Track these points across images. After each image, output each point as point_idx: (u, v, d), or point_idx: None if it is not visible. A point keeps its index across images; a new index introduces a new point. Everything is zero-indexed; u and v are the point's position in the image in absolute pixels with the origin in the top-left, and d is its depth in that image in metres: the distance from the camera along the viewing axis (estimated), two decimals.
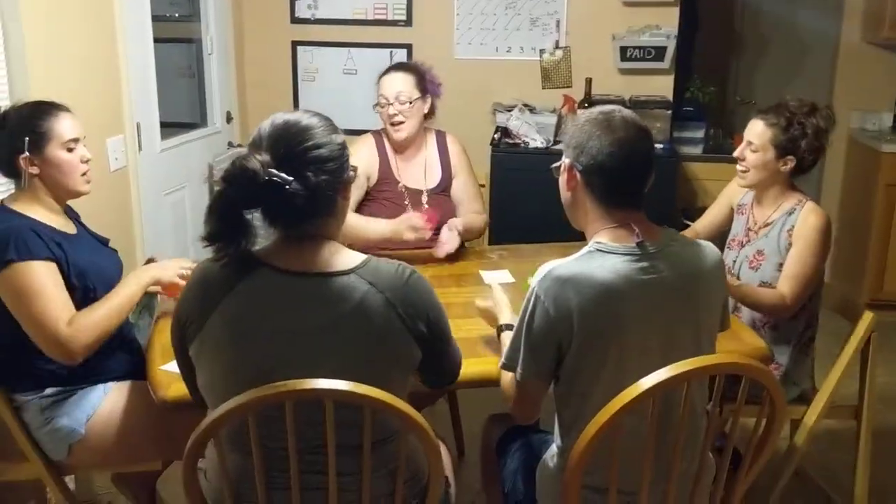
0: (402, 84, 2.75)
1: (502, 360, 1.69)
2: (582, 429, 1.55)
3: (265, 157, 1.41)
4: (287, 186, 1.40)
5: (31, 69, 2.65)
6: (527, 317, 1.59)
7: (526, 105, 4.15)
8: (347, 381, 1.39)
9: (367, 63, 4.27)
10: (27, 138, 1.98)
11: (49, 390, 2.02)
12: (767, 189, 2.44)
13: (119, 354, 2.14)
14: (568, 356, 1.59)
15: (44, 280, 1.93)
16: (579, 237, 1.75)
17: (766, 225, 2.43)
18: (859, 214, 4.44)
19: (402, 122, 2.75)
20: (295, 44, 4.41)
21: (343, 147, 1.51)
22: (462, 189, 2.90)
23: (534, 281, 1.60)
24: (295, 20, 4.37)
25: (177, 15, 4.09)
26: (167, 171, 3.60)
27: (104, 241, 2.25)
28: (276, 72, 4.45)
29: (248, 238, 1.44)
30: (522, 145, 4.00)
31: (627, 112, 1.64)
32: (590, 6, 4.18)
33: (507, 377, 1.71)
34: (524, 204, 3.85)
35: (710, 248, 1.71)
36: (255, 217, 1.46)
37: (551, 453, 1.76)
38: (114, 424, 2.06)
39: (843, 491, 2.56)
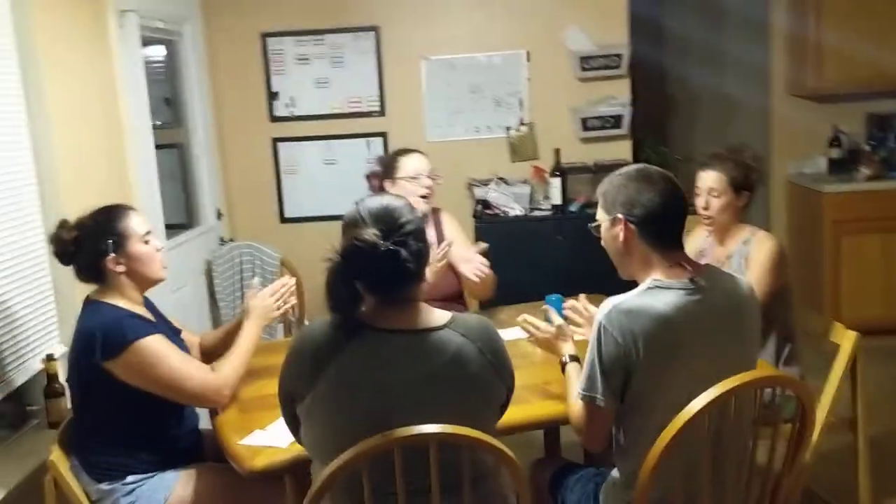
0: (427, 163, 3.16)
1: (579, 391, 1.85)
2: (640, 446, 1.76)
3: (377, 231, 1.62)
4: (400, 254, 1.61)
5: (62, 189, 2.84)
6: (596, 347, 1.80)
7: (501, 178, 4.45)
8: (448, 425, 1.58)
9: (346, 153, 4.53)
10: (110, 241, 2.17)
11: (130, 478, 2.13)
12: (727, 227, 2.76)
13: (186, 439, 2.28)
14: (633, 380, 1.79)
15: (168, 345, 2.13)
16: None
17: (728, 258, 2.75)
18: (809, 252, 4.79)
19: (431, 195, 3.11)
20: (275, 140, 4.63)
21: (423, 222, 1.74)
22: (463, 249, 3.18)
23: (599, 315, 1.81)
24: (274, 118, 4.61)
25: (159, 123, 4.30)
26: (172, 269, 3.71)
27: (177, 331, 2.40)
28: (260, 167, 4.65)
29: (360, 304, 1.64)
30: (502, 215, 4.28)
31: (657, 168, 1.92)
32: (548, 84, 4.53)
33: (577, 409, 1.89)
34: (510, 268, 4.07)
35: (743, 280, 1.97)
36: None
37: (613, 477, 1.96)
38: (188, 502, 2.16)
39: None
